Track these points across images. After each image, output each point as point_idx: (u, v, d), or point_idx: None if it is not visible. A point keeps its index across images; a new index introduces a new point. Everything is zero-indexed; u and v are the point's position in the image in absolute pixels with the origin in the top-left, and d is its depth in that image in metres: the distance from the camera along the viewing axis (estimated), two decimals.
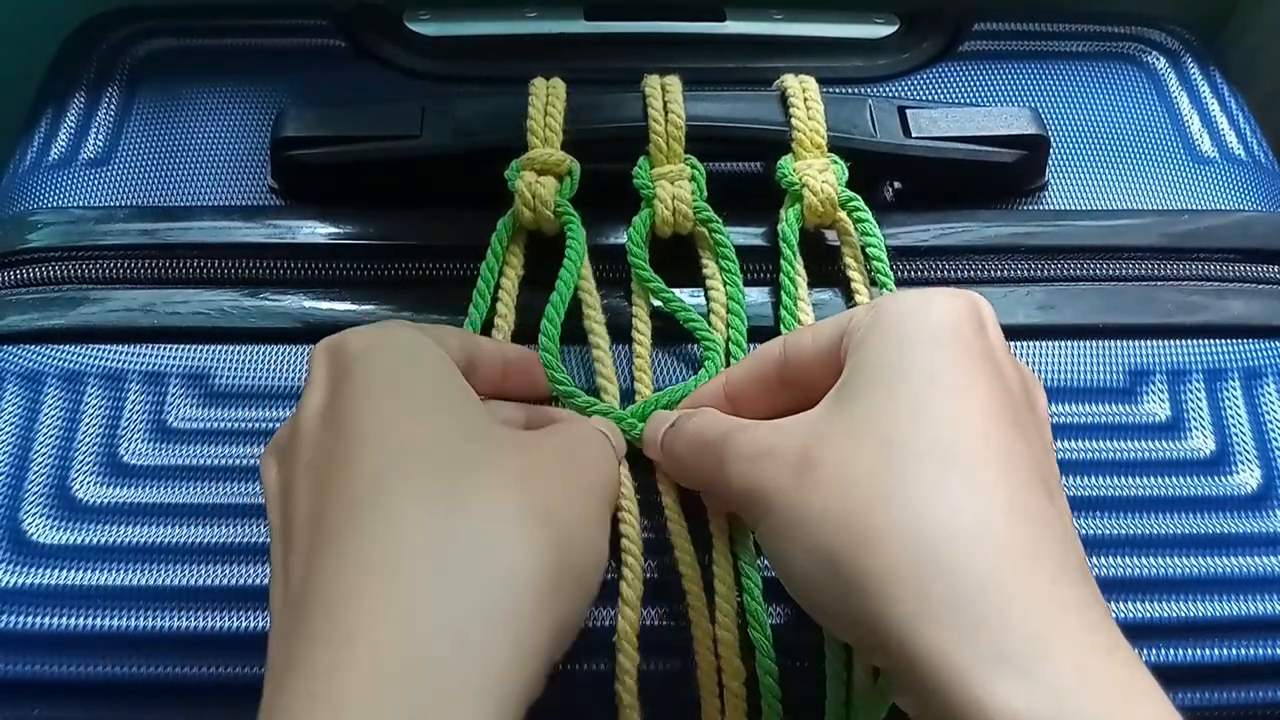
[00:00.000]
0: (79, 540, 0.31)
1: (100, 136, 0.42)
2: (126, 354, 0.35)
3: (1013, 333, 0.31)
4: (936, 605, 0.21)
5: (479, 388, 0.28)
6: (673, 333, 0.36)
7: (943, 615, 0.21)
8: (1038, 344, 0.36)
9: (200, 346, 0.35)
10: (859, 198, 0.37)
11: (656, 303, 0.36)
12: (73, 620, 0.30)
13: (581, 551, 0.24)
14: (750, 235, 0.38)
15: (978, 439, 0.24)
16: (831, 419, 0.26)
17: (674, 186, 0.37)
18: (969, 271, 0.38)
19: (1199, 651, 0.31)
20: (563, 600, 0.22)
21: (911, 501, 0.23)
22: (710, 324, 0.35)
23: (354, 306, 0.36)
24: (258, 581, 0.31)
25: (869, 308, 0.28)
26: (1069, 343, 0.36)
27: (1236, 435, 0.35)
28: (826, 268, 0.37)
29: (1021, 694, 0.20)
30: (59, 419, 0.34)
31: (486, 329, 0.35)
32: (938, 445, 0.23)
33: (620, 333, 0.35)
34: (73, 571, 0.31)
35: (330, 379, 0.25)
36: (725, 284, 0.36)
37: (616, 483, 0.27)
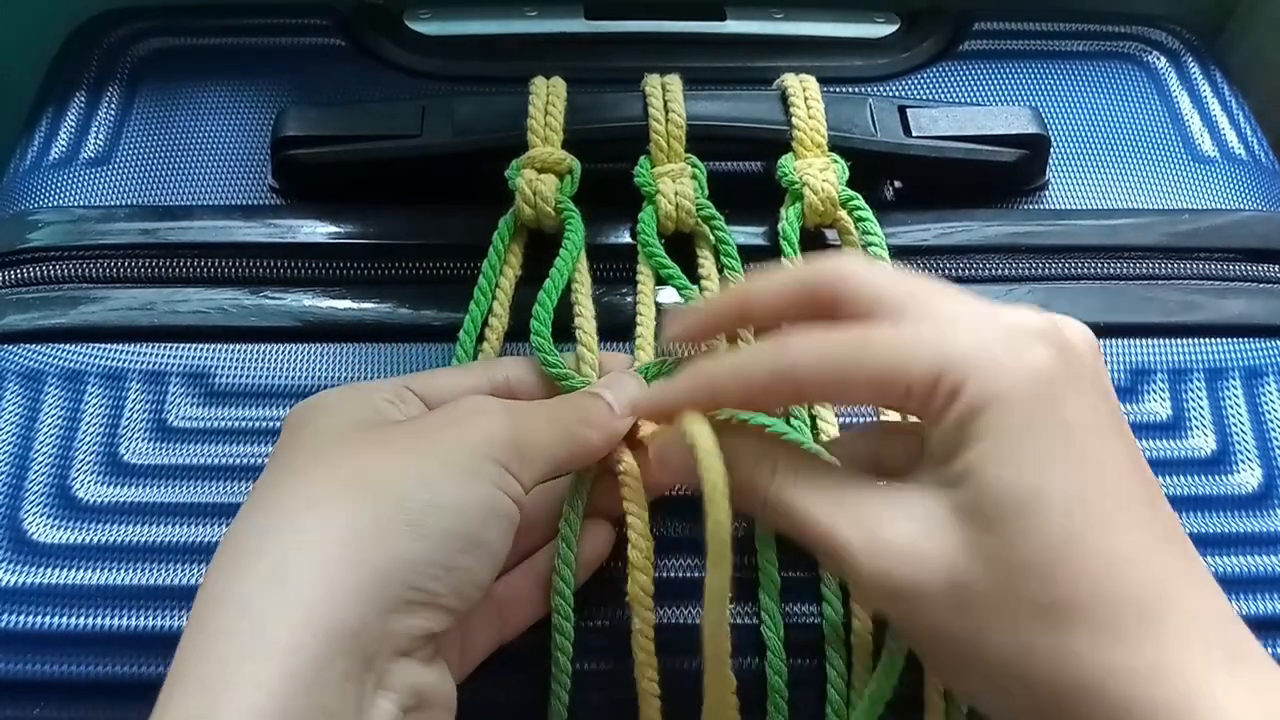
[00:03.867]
0: (79, 540, 0.31)
1: (100, 136, 0.42)
2: (127, 353, 0.35)
3: None
4: None
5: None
6: None
7: None
8: None
9: (200, 346, 0.35)
10: (859, 197, 0.37)
11: (664, 296, 0.36)
12: (73, 620, 0.30)
13: (414, 498, 0.25)
14: (751, 235, 0.38)
15: (1148, 557, 0.24)
16: (974, 549, 0.24)
17: (676, 183, 0.37)
18: (969, 271, 0.38)
19: None
20: (387, 543, 0.24)
21: (1100, 650, 0.23)
22: None
23: (354, 306, 0.36)
24: None
25: (970, 380, 0.24)
26: None
27: (1237, 435, 0.35)
28: None
29: None
30: (59, 418, 0.34)
31: (483, 327, 0.35)
32: (1107, 575, 0.23)
33: (618, 332, 0.35)
34: (73, 571, 0.31)
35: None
36: (730, 282, 0.36)
37: (492, 437, 0.27)
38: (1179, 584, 0.24)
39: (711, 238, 0.37)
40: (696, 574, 0.31)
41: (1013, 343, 0.25)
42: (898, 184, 0.42)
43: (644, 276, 0.36)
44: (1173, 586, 0.24)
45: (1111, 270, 0.38)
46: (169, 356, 0.35)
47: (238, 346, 0.35)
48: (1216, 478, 0.34)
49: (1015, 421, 0.24)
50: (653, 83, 0.38)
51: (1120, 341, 0.37)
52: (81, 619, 0.30)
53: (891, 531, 0.25)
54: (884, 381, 0.25)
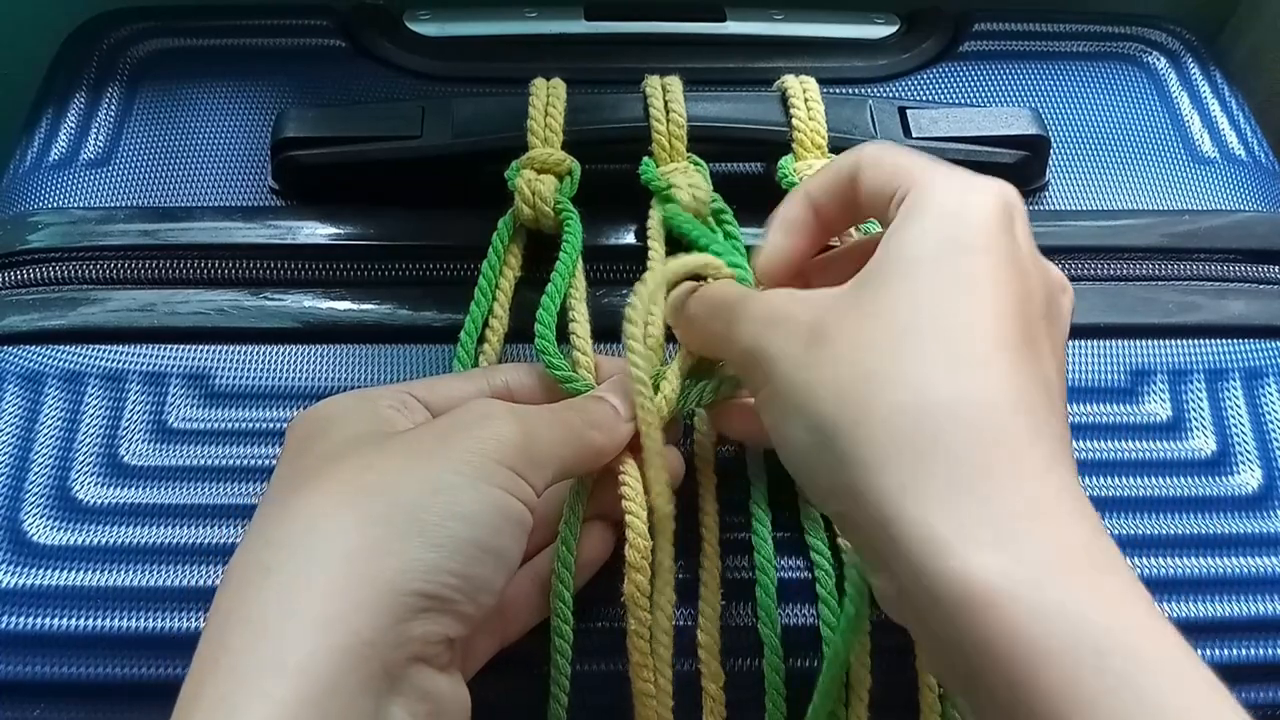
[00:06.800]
0: (80, 541, 0.31)
1: (100, 137, 0.42)
2: (127, 354, 0.35)
3: None
4: (928, 481, 0.23)
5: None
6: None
7: (933, 491, 0.22)
8: None
9: (200, 347, 0.35)
10: None
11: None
12: (74, 621, 0.30)
13: (427, 507, 0.25)
14: (751, 235, 0.37)
15: (991, 341, 0.25)
16: (851, 298, 0.26)
17: (687, 175, 0.37)
18: None
19: (1199, 652, 0.31)
20: (401, 555, 0.24)
21: (917, 385, 0.24)
22: None
23: (354, 306, 0.36)
24: None
25: (915, 188, 0.28)
26: (1070, 342, 0.36)
27: (1237, 435, 0.35)
28: None
29: (1001, 565, 0.21)
30: (59, 419, 0.34)
31: (484, 328, 0.35)
32: (952, 339, 0.25)
33: (619, 333, 0.35)
34: (73, 572, 0.31)
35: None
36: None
37: (504, 442, 0.27)
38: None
39: (720, 233, 0.37)
40: (695, 575, 0.31)
41: (967, 183, 0.27)
42: None
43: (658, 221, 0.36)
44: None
45: (1111, 271, 0.38)
46: (169, 358, 0.35)
47: (238, 348, 0.35)
48: (1217, 479, 0.34)
49: (936, 231, 0.26)
50: (653, 84, 0.38)
51: (1120, 342, 0.37)
52: (81, 620, 0.30)
53: (787, 290, 0.28)
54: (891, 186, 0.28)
